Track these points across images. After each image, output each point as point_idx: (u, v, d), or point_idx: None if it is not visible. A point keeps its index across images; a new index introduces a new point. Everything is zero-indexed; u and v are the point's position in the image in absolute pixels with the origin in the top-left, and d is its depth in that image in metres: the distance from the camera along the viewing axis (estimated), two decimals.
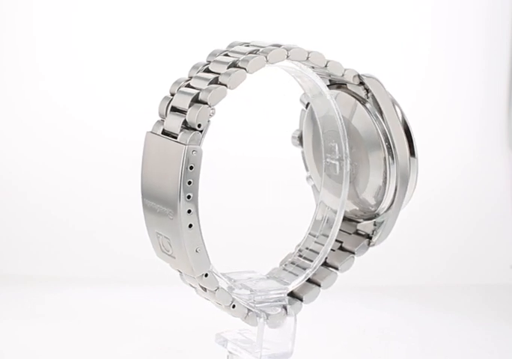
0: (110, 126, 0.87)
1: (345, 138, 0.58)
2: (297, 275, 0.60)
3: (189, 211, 0.52)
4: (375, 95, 0.57)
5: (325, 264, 0.60)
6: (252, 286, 0.58)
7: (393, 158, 0.57)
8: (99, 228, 0.87)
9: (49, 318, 0.72)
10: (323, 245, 0.60)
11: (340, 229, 0.60)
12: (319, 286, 0.60)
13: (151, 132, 0.54)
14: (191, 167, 0.51)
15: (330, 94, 0.57)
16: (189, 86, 0.54)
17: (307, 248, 0.61)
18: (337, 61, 0.55)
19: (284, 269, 0.61)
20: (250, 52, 0.53)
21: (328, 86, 0.58)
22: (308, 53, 0.54)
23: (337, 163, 0.59)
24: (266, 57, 0.53)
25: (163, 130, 0.53)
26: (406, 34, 0.90)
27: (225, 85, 0.51)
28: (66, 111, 0.88)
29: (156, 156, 0.53)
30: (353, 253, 0.60)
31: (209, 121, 0.51)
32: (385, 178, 0.57)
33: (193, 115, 0.51)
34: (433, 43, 0.90)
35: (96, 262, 0.86)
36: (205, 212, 0.84)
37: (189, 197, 0.52)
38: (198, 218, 0.52)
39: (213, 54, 0.56)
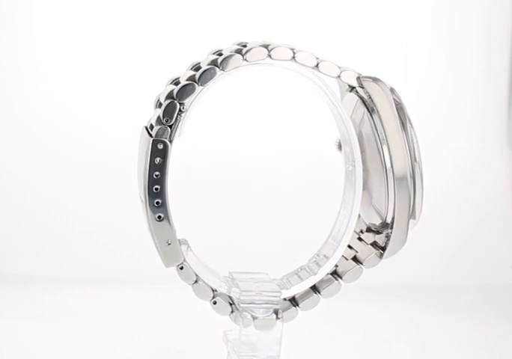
0: (110, 125, 0.87)
1: (354, 144, 0.57)
2: (302, 280, 0.59)
3: (158, 203, 0.54)
4: (373, 99, 0.56)
5: (334, 273, 0.59)
6: (246, 286, 0.58)
7: (388, 166, 0.56)
8: (99, 228, 0.87)
9: (49, 318, 0.72)
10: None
11: (361, 239, 0.59)
12: (320, 294, 0.59)
13: (144, 126, 0.56)
14: (158, 160, 0.53)
15: (334, 98, 0.56)
16: (175, 83, 0.56)
17: (323, 254, 0.60)
18: (331, 62, 0.54)
19: (296, 273, 0.60)
20: (233, 51, 0.54)
21: (351, 90, 0.58)
22: (294, 52, 0.54)
23: (351, 169, 0.58)
24: (243, 55, 0.53)
25: (150, 124, 0.56)
26: (405, 34, 0.90)
27: (195, 82, 0.53)
28: (66, 111, 0.88)
29: (141, 149, 0.56)
30: (362, 263, 0.59)
31: (179, 116, 0.54)
32: (386, 187, 0.56)
33: (161, 110, 0.54)
34: (433, 43, 0.90)
35: (96, 262, 0.86)
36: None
37: (156, 189, 0.54)
38: (168, 211, 0.54)
39: (211, 52, 0.57)
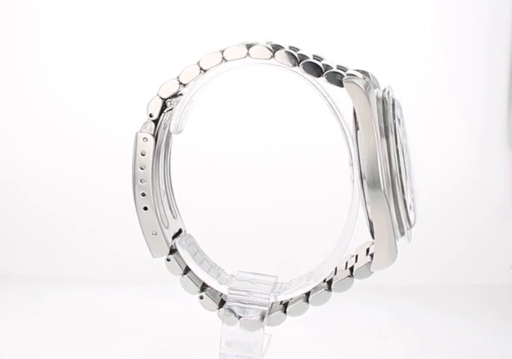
0: (111, 125, 0.87)
1: (350, 146, 0.55)
2: (300, 285, 0.59)
3: (143, 194, 0.57)
4: (352, 101, 0.52)
5: (331, 281, 0.58)
6: (240, 285, 0.59)
7: (363, 175, 0.52)
8: (99, 228, 0.87)
9: (50, 318, 0.72)
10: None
11: (368, 250, 0.58)
12: (308, 301, 0.58)
13: None
14: (142, 154, 0.57)
15: (328, 101, 0.55)
16: None
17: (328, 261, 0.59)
18: (313, 61, 0.54)
19: (301, 278, 0.60)
20: (217, 50, 0.55)
21: None
22: (274, 52, 0.54)
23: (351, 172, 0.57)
24: (222, 54, 0.54)
25: None
26: (407, 35, 0.90)
27: (178, 79, 0.56)
28: (66, 111, 0.88)
29: None
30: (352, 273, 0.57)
31: (164, 113, 0.56)
32: (363, 195, 0.53)
33: (147, 105, 0.57)
34: (434, 43, 0.90)
35: (96, 262, 0.86)
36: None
37: (142, 181, 0.57)
38: (154, 202, 0.57)
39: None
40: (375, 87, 0.55)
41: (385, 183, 0.52)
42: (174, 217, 0.62)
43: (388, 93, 0.54)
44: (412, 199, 0.55)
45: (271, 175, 0.87)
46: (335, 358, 0.66)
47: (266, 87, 0.81)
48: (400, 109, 0.56)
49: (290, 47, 0.56)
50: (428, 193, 0.82)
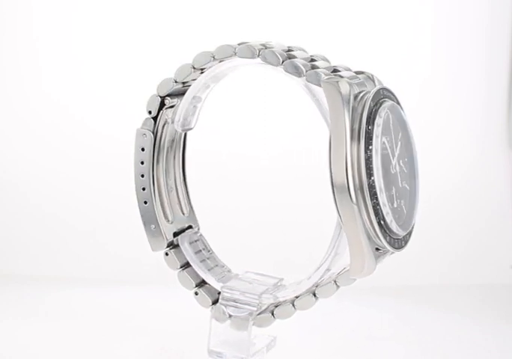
0: (110, 125, 0.87)
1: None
2: (294, 288, 0.58)
3: (144, 188, 0.59)
4: (327, 102, 0.50)
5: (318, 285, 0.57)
6: (236, 284, 0.59)
7: (331, 181, 0.50)
8: (99, 228, 0.87)
9: (50, 318, 0.72)
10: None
11: None
12: (293, 305, 0.58)
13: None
14: (142, 149, 0.58)
15: (314, 101, 0.53)
16: None
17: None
18: (296, 60, 0.53)
19: (298, 280, 0.59)
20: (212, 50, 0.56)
21: None
22: (259, 50, 0.54)
23: None
24: (212, 52, 0.55)
25: None
26: (407, 35, 0.90)
27: (173, 77, 0.57)
28: (66, 111, 0.88)
29: None
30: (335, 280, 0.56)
31: (161, 110, 0.58)
32: (334, 197, 0.51)
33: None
34: (434, 43, 0.90)
35: (96, 262, 0.86)
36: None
37: (142, 175, 0.59)
38: (153, 196, 0.59)
39: None
40: (364, 89, 0.53)
41: (353, 189, 0.50)
42: (182, 213, 0.62)
43: (376, 93, 0.52)
44: (392, 207, 0.53)
45: (268, 175, 0.87)
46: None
47: (264, 87, 0.81)
48: (387, 111, 0.53)
49: (289, 47, 0.56)
50: (428, 193, 0.82)
